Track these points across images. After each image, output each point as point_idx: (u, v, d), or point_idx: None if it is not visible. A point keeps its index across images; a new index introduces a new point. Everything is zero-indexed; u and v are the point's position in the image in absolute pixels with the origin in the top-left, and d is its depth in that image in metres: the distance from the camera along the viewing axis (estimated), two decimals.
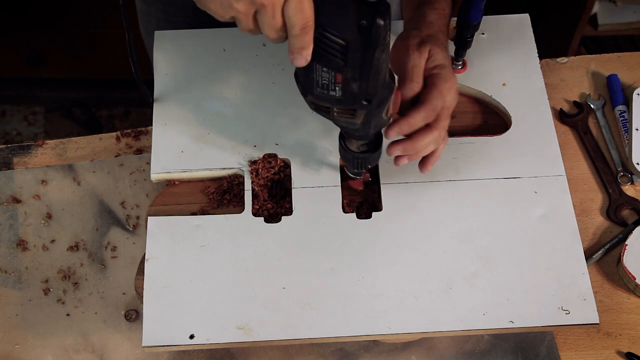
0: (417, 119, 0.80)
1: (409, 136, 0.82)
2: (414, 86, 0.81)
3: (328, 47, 0.67)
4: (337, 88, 0.70)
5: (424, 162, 0.85)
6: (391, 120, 0.79)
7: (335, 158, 0.93)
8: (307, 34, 0.66)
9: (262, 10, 0.66)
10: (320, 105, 0.74)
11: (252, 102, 0.98)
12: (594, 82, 1.12)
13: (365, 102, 0.72)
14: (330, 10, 0.65)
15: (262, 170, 0.94)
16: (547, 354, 0.92)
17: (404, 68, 0.82)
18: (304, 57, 0.68)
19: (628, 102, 1.08)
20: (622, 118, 1.06)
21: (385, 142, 0.83)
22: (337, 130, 0.95)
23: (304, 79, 0.72)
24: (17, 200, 1.04)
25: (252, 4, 0.65)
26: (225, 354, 0.94)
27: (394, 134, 0.81)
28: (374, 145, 0.82)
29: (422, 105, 0.80)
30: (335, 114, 0.74)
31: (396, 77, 0.80)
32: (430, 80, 0.81)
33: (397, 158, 0.83)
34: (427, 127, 0.81)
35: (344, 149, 0.83)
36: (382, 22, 0.65)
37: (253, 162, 0.93)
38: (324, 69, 0.69)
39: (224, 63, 1.01)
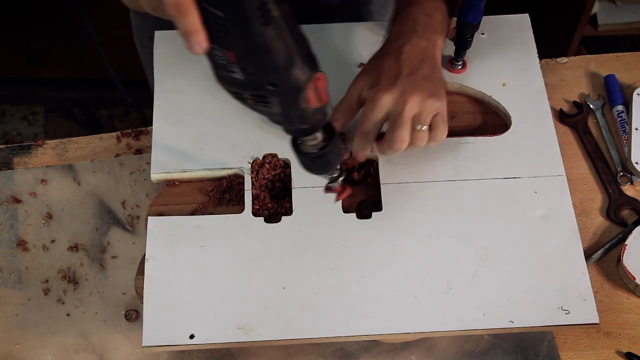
0: (357, 145, 0.86)
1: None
2: (336, 118, 0.86)
3: (210, 20, 0.61)
4: (235, 69, 0.65)
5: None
6: (327, 111, 0.73)
7: None
8: (187, 14, 0.59)
9: None
10: (233, 91, 0.69)
11: None
12: (593, 82, 1.12)
13: (271, 88, 0.66)
14: None
15: (262, 170, 0.94)
16: (547, 354, 0.92)
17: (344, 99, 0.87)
18: (198, 44, 0.61)
19: (627, 103, 1.08)
20: (620, 119, 1.06)
21: None
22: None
23: (211, 62, 0.66)
24: (17, 200, 1.04)
25: None
26: (225, 354, 0.94)
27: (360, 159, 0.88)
28: (326, 140, 0.76)
29: (356, 131, 0.85)
30: (250, 101, 0.69)
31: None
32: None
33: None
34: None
35: (298, 153, 0.78)
36: None
37: (253, 162, 0.93)
38: (215, 46, 0.63)
39: None
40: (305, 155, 0.78)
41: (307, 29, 1.04)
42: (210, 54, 0.65)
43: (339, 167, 0.82)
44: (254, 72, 0.65)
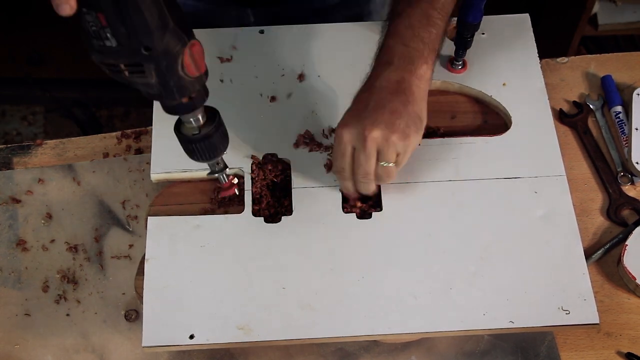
0: (341, 186, 0.87)
1: None
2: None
3: None
4: (108, 35, 0.63)
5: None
6: (202, 82, 0.71)
7: None
8: None
9: None
10: (108, 63, 0.66)
11: (252, 102, 0.98)
12: (593, 83, 1.12)
13: (145, 52, 0.64)
14: None
15: (262, 170, 0.94)
16: (547, 354, 0.92)
17: None
18: (64, 2, 0.59)
19: (625, 103, 1.08)
20: (617, 119, 1.06)
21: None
22: None
23: (83, 34, 0.64)
24: (17, 201, 1.04)
25: None
26: (225, 354, 0.94)
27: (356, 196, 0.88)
28: (208, 122, 0.74)
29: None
30: (126, 74, 0.66)
31: None
32: None
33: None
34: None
35: (180, 137, 0.75)
36: None
37: (253, 162, 0.93)
38: (85, 10, 0.62)
39: (224, 63, 1.01)
40: (186, 139, 0.75)
41: (307, 29, 1.05)
42: (81, 20, 0.63)
43: (223, 153, 0.79)
44: (126, 35, 0.63)
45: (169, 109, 0.72)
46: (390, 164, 0.81)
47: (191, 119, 0.73)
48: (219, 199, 0.92)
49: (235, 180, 0.89)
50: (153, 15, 0.63)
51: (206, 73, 0.71)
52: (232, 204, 0.92)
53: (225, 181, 0.86)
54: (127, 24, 0.62)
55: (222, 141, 0.77)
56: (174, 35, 0.65)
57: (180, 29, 0.65)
